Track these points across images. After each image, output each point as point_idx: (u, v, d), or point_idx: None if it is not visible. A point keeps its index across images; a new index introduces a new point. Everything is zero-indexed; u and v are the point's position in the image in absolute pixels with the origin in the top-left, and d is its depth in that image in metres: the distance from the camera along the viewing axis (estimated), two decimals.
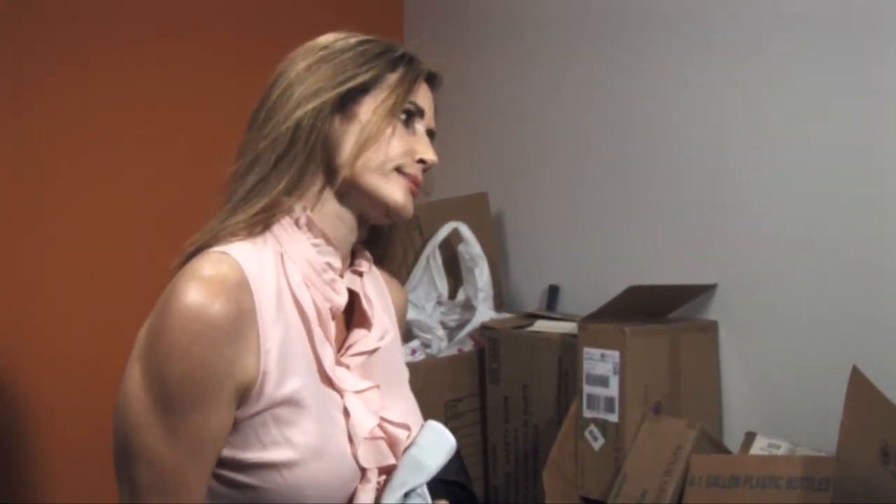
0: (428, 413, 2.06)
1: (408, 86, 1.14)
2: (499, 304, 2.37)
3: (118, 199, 2.36)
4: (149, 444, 0.99)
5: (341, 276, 1.16)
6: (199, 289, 0.99)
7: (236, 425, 1.03)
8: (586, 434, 1.85)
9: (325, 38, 1.18)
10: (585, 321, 1.85)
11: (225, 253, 1.05)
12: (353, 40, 1.16)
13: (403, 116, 1.15)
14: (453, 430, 2.18)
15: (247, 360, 1.02)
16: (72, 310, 2.29)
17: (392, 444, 1.14)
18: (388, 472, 1.14)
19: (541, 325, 2.08)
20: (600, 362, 1.81)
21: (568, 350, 1.94)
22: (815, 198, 1.77)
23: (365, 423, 1.10)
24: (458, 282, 2.32)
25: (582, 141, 2.28)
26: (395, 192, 1.14)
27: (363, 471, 1.10)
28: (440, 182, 2.70)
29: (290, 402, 1.05)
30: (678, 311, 1.99)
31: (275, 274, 1.07)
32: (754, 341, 1.89)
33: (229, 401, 1.01)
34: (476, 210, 2.37)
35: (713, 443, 1.74)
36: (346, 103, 1.12)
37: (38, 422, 2.26)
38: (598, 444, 1.83)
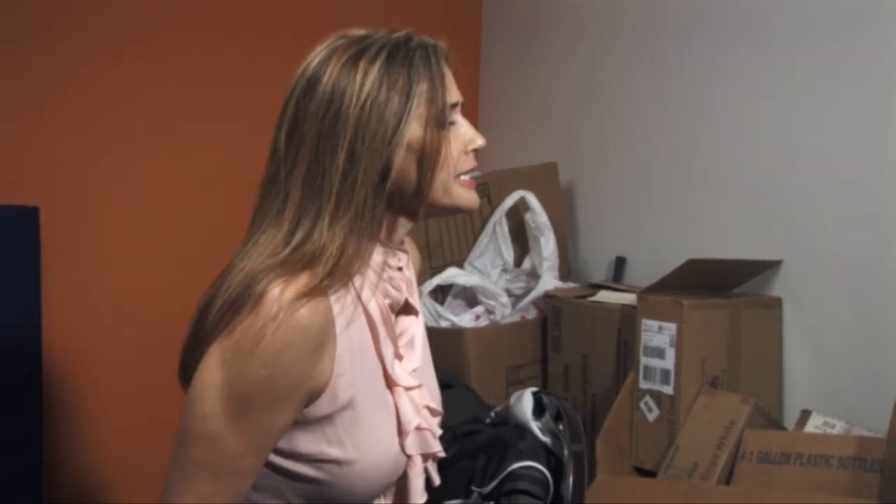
0: (489, 378, 2.12)
1: (442, 90, 1.11)
2: (566, 274, 2.39)
3: (177, 189, 2.38)
4: (216, 430, 1.03)
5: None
6: (293, 300, 1.01)
7: (307, 423, 1.08)
8: (641, 405, 1.86)
9: (353, 53, 1.11)
10: (644, 293, 1.86)
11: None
12: (377, 66, 1.09)
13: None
14: None
15: (323, 366, 1.06)
16: (128, 304, 2.32)
17: (435, 432, 1.19)
18: (432, 457, 1.19)
19: (603, 296, 2.09)
20: (657, 334, 1.82)
21: (628, 321, 1.94)
22: (883, 174, 1.74)
23: (412, 419, 1.15)
24: (525, 250, 2.34)
25: (653, 114, 2.27)
26: (464, 199, 1.15)
27: (408, 457, 1.15)
28: (511, 151, 2.74)
29: (354, 403, 1.09)
30: (743, 286, 1.98)
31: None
32: (818, 319, 1.86)
33: (299, 403, 1.05)
34: (545, 180, 2.38)
35: (768, 419, 1.74)
36: None
37: (96, 414, 2.31)
38: (652, 415, 1.84)
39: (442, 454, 1.21)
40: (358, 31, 1.14)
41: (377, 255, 1.12)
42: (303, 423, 1.08)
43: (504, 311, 2.22)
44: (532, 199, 2.24)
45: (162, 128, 2.35)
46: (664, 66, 2.23)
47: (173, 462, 1.06)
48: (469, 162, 1.16)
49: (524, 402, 1.51)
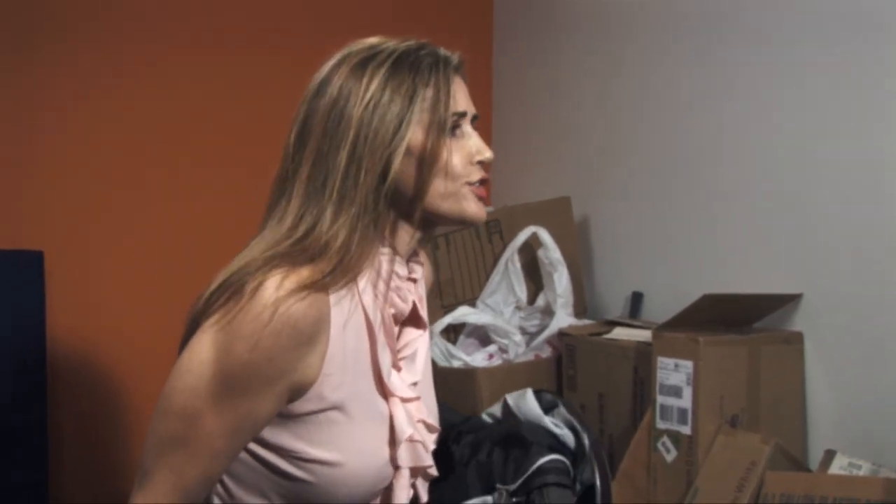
0: None
1: (446, 97, 1.12)
2: (581, 311, 2.34)
3: (183, 230, 2.39)
4: (196, 406, 1.04)
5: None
6: (291, 291, 1.02)
7: (291, 418, 1.07)
8: (659, 445, 1.80)
9: (362, 59, 1.13)
10: (660, 330, 1.81)
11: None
12: (383, 70, 1.11)
13: (451, 129, 1.14)
14: None
15: (311, 361, 1.06)
16: (134, 346, 2.31)
17: (428, 447, 1.17)
18: (422, 473, 1.17)
19: (618, 333, 2.04)
20: (674, 372, 1.76)
21: (644, 359, 1.89)
22: None
23: (406, 430, 1.13)
24: (539, 287, 2.30)
25: (668, 146, 2.23)
26: (469, 208, 1.15)
27: (397, 468, 1.14)
28: (524, 186, 2.70)
29: (343, 406, 1.08)
30: (763, 321, 1.92)
31: None
32: (841, 354, 1.80)
33: (280, 394, 1.05)
34: (558, 214, 2.34)
35: (790, 459, 1.67)
36: None
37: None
38: (670, 456, 1.77)
39: (434, 472, 1.19)
40: (373, 40, 1.16)
41: (386, 263, 1.13)
42: (287, 417, 1.07)
43: (518, 350, 2.17)
44: (544, 235, 2.20)
45: (166, 168, 2.36)
46: (681, 96, 2.19)
47: (152, 431, 1.07)
48: (476, 172, 1.15)
49: (528, 400, 1.50)
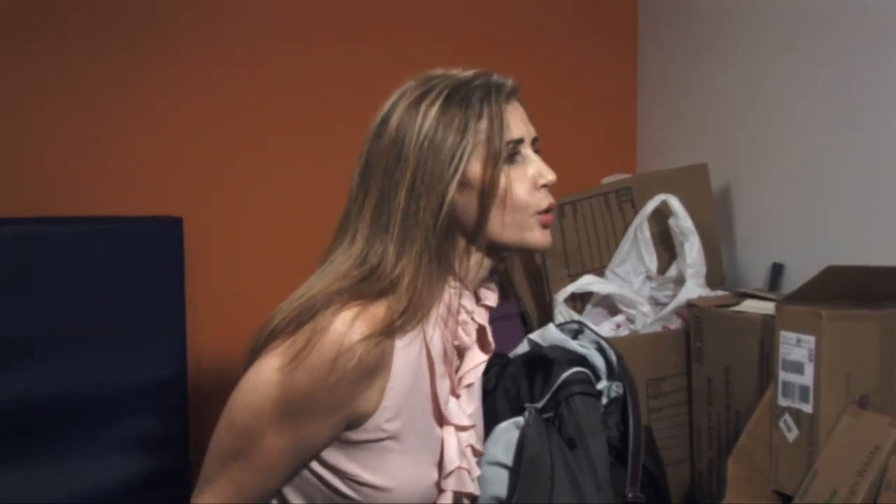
0: None
1: (499, 128, 1.13)
2: (718, 282, 2.25)
3: (317, 192, 2.38)
4: (259, 426, 1.09)
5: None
6: (356, 327, 1.06)
7: (349, 444, 1.12)
8: (781, 424, 1.71)
9: (417, 96, 1.16)
10: (783, 302, 1.71)
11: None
12: (436, 107, 1.13)
13: (509, 156, 1.14)
14: (656, 410, 2.14)
15: (370, 395, 1.10)
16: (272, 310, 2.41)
17: (473, 473, 1.22)
18: (465, 495, 1.22)
19: (747, 305, 1.95)
20: (796, 347, 1.67)
21: (770, 332, 1.79)
22: None
23: (455, 460, 1.17)
24: (673, 256, 2.23)
25: (813, 110, 2.09)
26: (534, 239, 1.17)
27: (442, 492, 1.19)
28: (657, 152, 2.62)
29: (399, 437, 1.13)
30: None
31: None
32: None
33: (339, 422, 1.10)
34: (694, 182, 2.25)
35: None
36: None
37: None
38: (791, 435, 1.69)
39: (477, 492, 1.23)
40: (431, 72, 1.19)
41: (454, 297, 1.15)
42: (345, 442, 1.11)
43: (645, 321, 2.12)
44: (675, 203, 2.13)
45: (299, 132, 2.44)
46: (820, 64, 2.05)
47: (215, 443, 1.14)
48: (543, 199, 1.17)
49: (552, 330, 1.53)
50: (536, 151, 1.20)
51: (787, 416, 1.70)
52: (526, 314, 2.33)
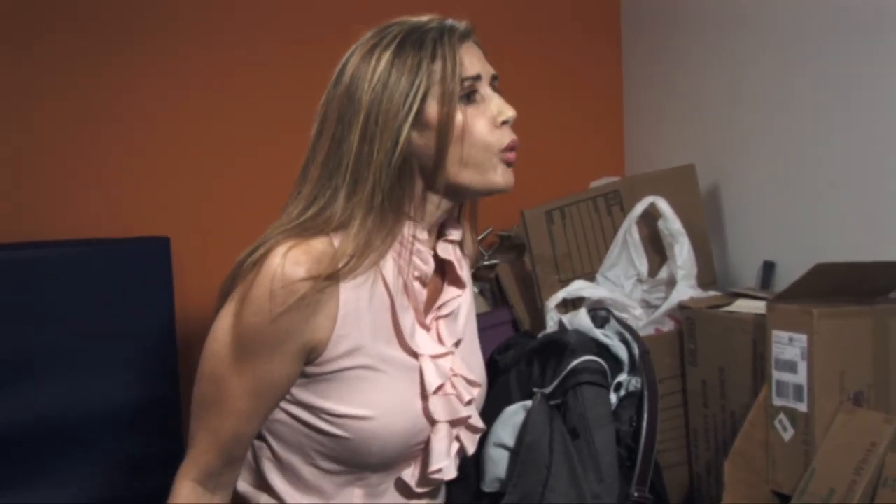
0: None
1: (453, 67, 1.12)
2: (710, 282, 2.24)
3: None
4: (220, 371, 1.13)
5: (434, 245, 1.22)
6: (289, 257, 1.08)
7: (314, 378, 1.14)
8: (776, 423, 1.70)
9: (371, 45, 1.16)
10: (774, 301, 1.71)
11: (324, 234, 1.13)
12: (389, 52, 1.13)
13: (466, 95, 1.14)
14: None
15: (320, 322, 1.11)
16: None
17: (463, 398, 1.20)
18: (461, 423, 1.21)
19: (739, 305, 1.94)
20: (788, 346, 1.66)
21: (762, 332, 1.79)
22: None
23: (433, 383, 1.17)
24: (663, 258, 2.22)
25: (798, 108, 2.09)
26: (497, 178, 1.16)
27: (434, 423, 1.18)
28: (645, 155, 2.62)
29: (369, 365, 1.13)
30: None
31: None
32: None
33: (293, 354, 1.11)
34: (682, 183, 2.24)
35: None
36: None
37: None
38: (787, 434, 1.68)
39: (478, 423, 1.22)
40: (388, 22, 1.18)
41: (405, 229, 1.15)
42: (310, 377, 1.13)
43: (637, 325, 2.11)
44: (663, 205, 2.12)
45: (286, 151, 2.40)
46: (815, 61, 2.04)
47: (193, 397, 1.18)
48: (505, 136, 1.15)
49: (581, 316, 1.53)
50: (497, 91, 1.18)
51: (782, 416, 1.69)
52: (518, 321, 2.33)
